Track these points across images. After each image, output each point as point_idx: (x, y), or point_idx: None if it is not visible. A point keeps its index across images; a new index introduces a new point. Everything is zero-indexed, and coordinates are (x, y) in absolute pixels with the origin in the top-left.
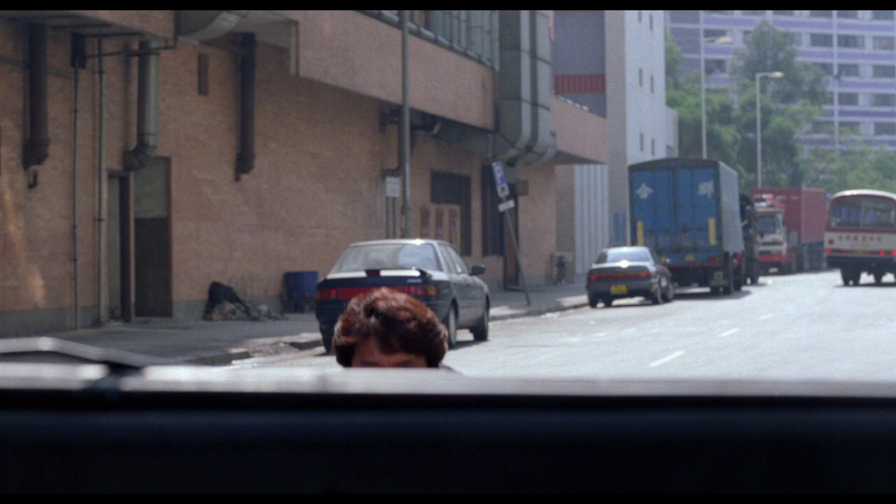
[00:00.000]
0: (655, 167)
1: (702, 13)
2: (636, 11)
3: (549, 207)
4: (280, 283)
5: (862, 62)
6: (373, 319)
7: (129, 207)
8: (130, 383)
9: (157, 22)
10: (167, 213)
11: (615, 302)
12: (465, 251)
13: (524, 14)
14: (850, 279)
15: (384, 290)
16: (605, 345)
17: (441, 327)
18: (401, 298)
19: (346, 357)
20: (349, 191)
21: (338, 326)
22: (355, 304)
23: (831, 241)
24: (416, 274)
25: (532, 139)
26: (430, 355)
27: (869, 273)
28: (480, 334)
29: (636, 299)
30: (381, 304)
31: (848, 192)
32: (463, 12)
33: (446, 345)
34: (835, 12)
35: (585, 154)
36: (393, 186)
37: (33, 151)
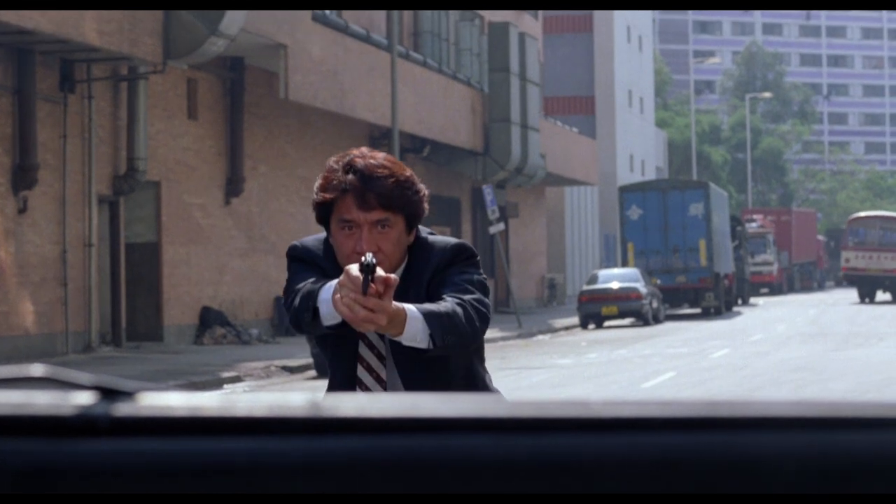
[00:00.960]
0: (646, 188)
1: (691, 34)
2: (625, 32)
3: (540, 229)
4: (271, 307)
5: (851, 82)
6: (350, 176)
7: (120, 232)
8: (122, 409)
9: (146, 47)
10: (157, 237)
11: (606, 323)
12: None
13: (513, 36)
14: (866, 296)
15: (363, 149)
16: (596, 366)
17: (421, 186)
18: (379, 156)
19: (325, 215)
20: None
21: (317, 184)
22: (334, 161)
23: (847, 260)
24: None
25: (522, 161)
26: (409, 213)
27: (884, 291)
28: None
29: (627, 320)
30: (360, 162)
31: (864, 214)
32: (452, 35)
33: (426, 205)
34: (824, 32)
35: (575, 176)
36: None
37: (23, 177)
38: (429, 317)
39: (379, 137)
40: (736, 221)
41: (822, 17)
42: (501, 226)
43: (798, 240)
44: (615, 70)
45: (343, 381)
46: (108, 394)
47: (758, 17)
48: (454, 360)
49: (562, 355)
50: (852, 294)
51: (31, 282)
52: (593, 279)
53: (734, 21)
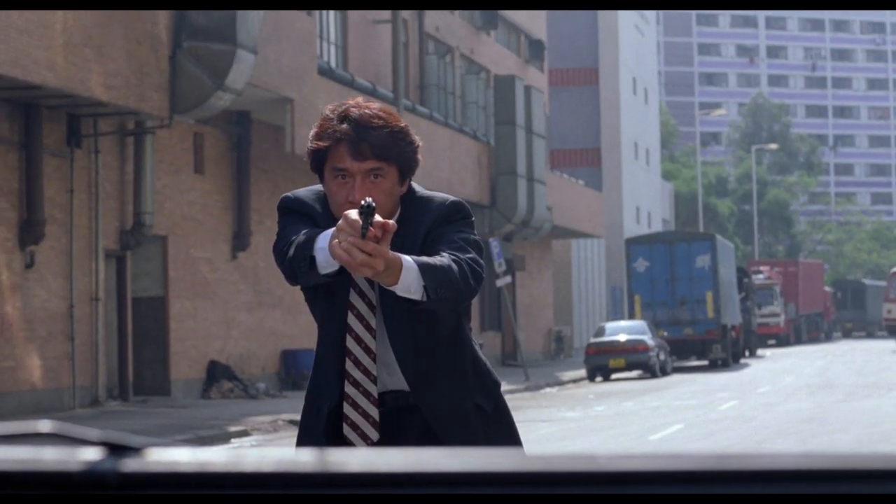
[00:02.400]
0: (652, 240)
1: (697, 86)
2: (631, 84)
3: (547, 282)
4: (278, 361)
5: (857, 133)
6: (345, 125)
7: (127, 287)
8: (130, 464)
9: (153, 101)
10: (164, 291)
11: (614, 376)
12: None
13: (519, 89)
14: None
15: (359, 98)
16: (604, 419)
17: (415, 138)
18: (374, 107)
19: (318, 163)
20: None
21: (311, 132)
22: (329, 110)
23: (889, 311)
24: None
25: (528, 214)
26: (402, 164)
27: None
28: None
29: (635, 373)
30: (354, 111)
31: None
32: (458, 88)
33: (419, 156)
34: (829, 83)
35: (582, 228)
36: None
37: (30, 232)
38: (424, 269)
39: None
40: (743, 273)
41: (828, 69)
42: (508, 279)
43: (805, 291)
44: (621, 122)
45: (334, 336)
46: (116, 449)
47: (764, 68)
48: (443, 318)
49: (569, 408)
50: (859, 344)
51: (38, 336)
52: (600, 331)
53: (740, 73)
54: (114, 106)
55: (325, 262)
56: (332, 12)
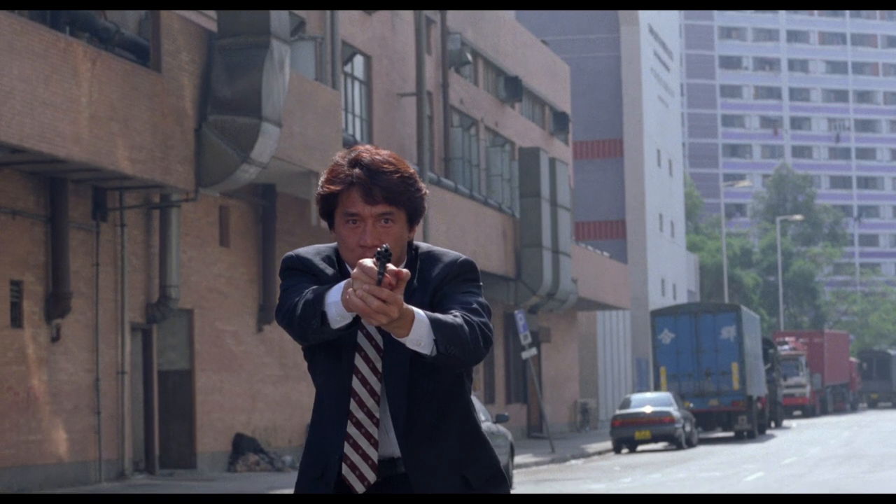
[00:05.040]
0: (677, 312)
1: (721, 157)
2: (655, 156)
3: (572, 354)
4: (303, 434)
5: (882, 203)
6: (357, 170)
7: (153, 360)
8: None
9: (178, 174)
10: (190, 365)
11: (640, 447)
12: (488, 399)
13: (543, 161)
14: None
15: (368, 145)
16: (630, 491)
17: (422, 185)
18: (384, 153)
19: (329, 208)
20: None
21: (321, 178)
22: (340, 156)
23: None
24: None
25: (554, 286)
26: (411, 210)
27: None
28: None
29: (661, 444)
30: (366, 156)
31: None
32: (483, 160)
33: (426, 204)
34: (853, 154)
35: (607, 300)
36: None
37: (56, 305)
38: (436, 323)
39: None
40: (768, 344)
41: (851, 140)
42: (534, 351)
43: (830, 362)
44: (646, 194)
45: (336, 392)
46: None
47: (787, 139)
48: (442, 375)
49: (595, 480)
50: (885, 415)
51: (64, 410)
52: (626, 403)
53: (763, 144)
54: (139, 179)
55: (338, 316)
56: (357, 86)
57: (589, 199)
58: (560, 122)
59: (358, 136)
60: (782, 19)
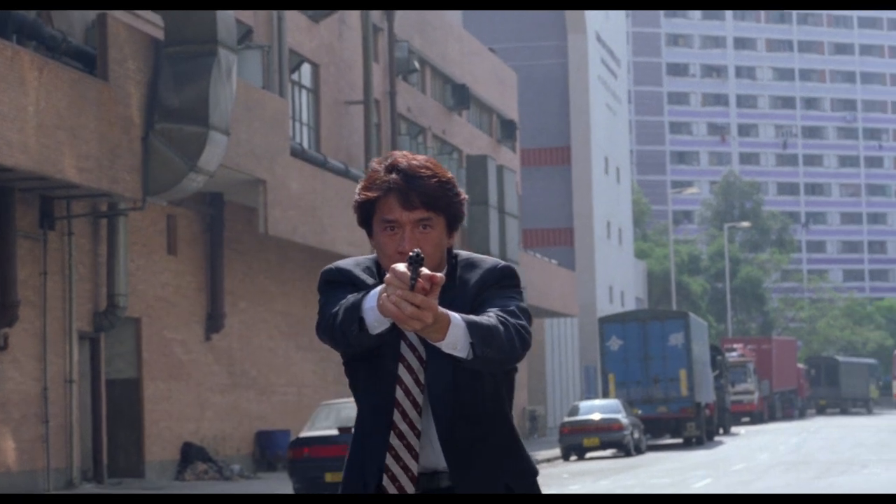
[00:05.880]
0: (625, 319)
1: (668, 165)
2: (603, 164)
3: (521, 361)
4: (252, 442)
5: (829, 210)
6: (394, 175)
7: (100, 368)
8: None
9: (126, 183)
10: (138, 373)
11: (588, 454)
12: None
13: (491, 169)
14: None
15: (405, 151)
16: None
17: (461, 190)
18: (421, 158)
19: (366, 216)
20: (320, 348)
21: (358, 186)
22: (376, 163)
23: None
24: None
25: None
26: (449, 215)
27: None
28: None
29: (609, 451)
30: (403, 162)
31: None
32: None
33: (465, 210)
34: (801, 161)
35: (555, 307)
36: None
37: (3, 314)
38: (471, 326)
39: None
40: (716, 351)
41: (799, 146)
42: None
43: (778, 368)
44: (593, 201)
45: (379, 402)
46: None
47: (735, 146)
48: (485, 384)
49: (543, 487)
50: (833, 421)
51: (12, 419)
52: (574, 410)
53: (711, 151)
54: (86, 188)
55: (376, 321)
56: (304, 94)
57: (536, 206)
58: (507, 129)
59: (305, 145)
60: (729, 26)
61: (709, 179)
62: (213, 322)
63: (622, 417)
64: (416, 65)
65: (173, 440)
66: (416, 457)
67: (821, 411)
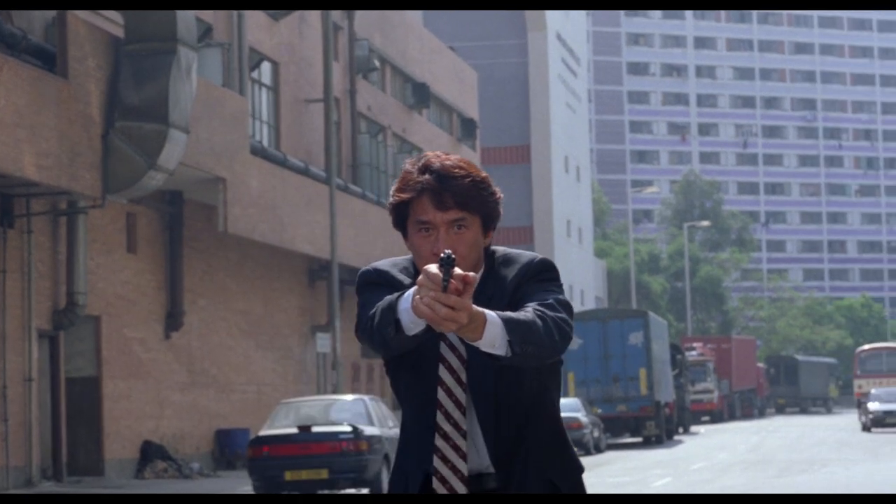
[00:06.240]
0: (585, 318)
1: (629, 164)
2: (563, 163)
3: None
4: (212, 441)
5: (789, 209)
6: (427, 176)
7: (60, 367)
8: None
9: (85, 181)
10: (98, 371)
11: None
12: (396, 405)
13: None
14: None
15: (438, 151)
16: None
17: (496, 189)
18: (454, 157)
19: (401, 217)
20: (279, 347)
21: (392, 188)
22: (410, 164)
23: (860, 386)
24: (349, 429)
25: None
26: (485, 215)
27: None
28: None
29: None
30: (435, 162)
31: (868, 346)
32: (390, 166)
33: (501, 209)
34: (761, 160)
35: None
36: (323, 342)
37: None
38: (508, 323)
39: (318, 270)
40: (676, 350)
41: (759, 146)
42: None
43: (738, 367)
44: (553, 200)
45: (422, 403)
46: None
47: (695, 146)
48: (528, 381)
49: None
50: (793, 420)
51: None
52: None
53: (671, 151)
54: (46, 186)
55: (411, 323)
56: (264, 92)
57: None
58: (467, 128)
59: (265, 143)
60: (689, 25)
61: (669, 178)
62: (173, 320)
63: (582, 416)
64: (377, 63)
65: (133, 438)
66: (464, 457)
67: (780, 410)
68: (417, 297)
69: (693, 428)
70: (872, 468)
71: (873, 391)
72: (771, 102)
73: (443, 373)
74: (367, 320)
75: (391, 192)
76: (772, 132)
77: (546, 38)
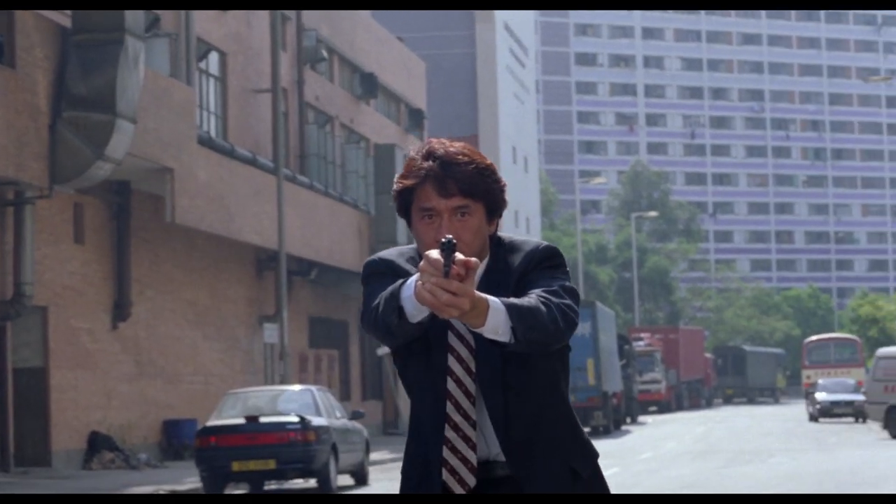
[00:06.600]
0: None
1: (576, 154)
2: (510, 153)
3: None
4: (159, 431)
5: (736, 199)
6: (430, 162)
7: (7, 357)
8: None
9: (32, 171)
10: (45, 362)
11: None
12: (344, 396)
13: (399, 158)
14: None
15: (443, 138)
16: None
17: (501, 177)
18: (458, 144)
19: (405, 204)
20: (227, 337)
21: (397, 175)
22: (414, 151)
23: (808, 377)
24: (296, 420)
25: None
26: (489, 202)
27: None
28: (361, 479)
29: None
30: (439, 149)
31: (816, 337)
32: (338, 157)
33: (506, 196)
34: (708, 151)
35: None
36: (271, 332)
37: None
38: (512, 309)
39: (266, 260)
40: (623, 340)
41: (706, 136)
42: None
43: (686, 357)
44: None
45: (431, 394)
46: None
47: (643, 136)
48: (537, 369)
49: None
50: (740, 410)
51: None
52: None
53: (619, 141)
54: None
55: (415, 310)
56: (212, 83)
57: None
58: (415, 118)
59: (213, 133)
60: (637, 16)
61: (616, 169)
62: (120, 311)
63: None
64: (324, 53)
65: (80, 429)
66: (473, 447)
67: (728, 401)
68: (420, 283)
69: (641, 418)
70: (819, 458)
71: (821, 381)
72: (719, 93)
73: (451, 363)
74: (371, 310)
75: (395, 179)
76: (719, 123)
77: (494, 28)
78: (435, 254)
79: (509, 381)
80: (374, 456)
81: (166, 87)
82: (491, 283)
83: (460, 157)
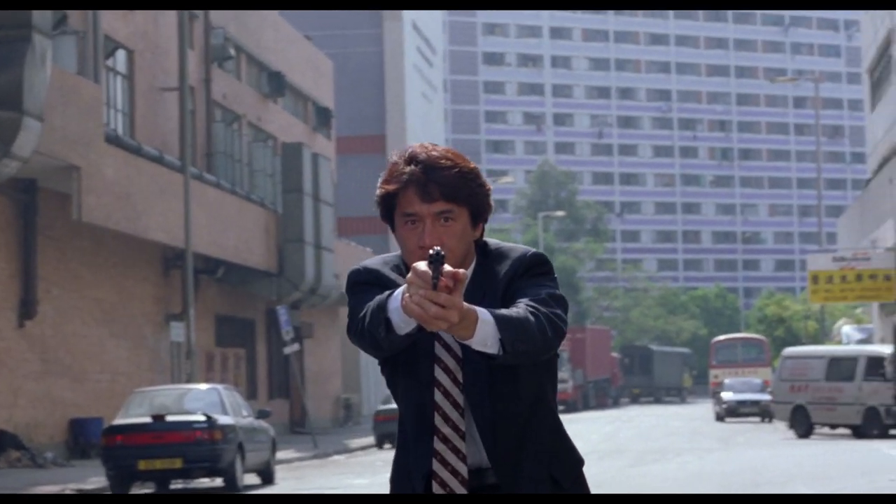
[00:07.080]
0: None
1: (484, 153)
2: None
3: (335, 349)
4: (66, 430)
5: (643, 199)
6: (412, 167)
7: None
8: None
9: None
10: None
11: None
12: (250, 395)
13: (306, 157)
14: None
15: (425, 143)
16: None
17: (486, 181)
18: (441, 149)
19: (388, 209)
20: (134, 336)
21: (380, 180)
22: (397, 156)
23: (716, 376)
24: (202, 418)
25: (316, 282)
26: (473, 206)
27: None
28: (267, 478)
29: None
30: (422, 153)
31: (723, 337)
32: (245, 155)
33: (491, 201)
34: (616, 150)
35: None
36: (177, 331)
37: None
38: (500, 321)
39: (173, 258)
40: None
41: (614, 136)
42: (296, 346)
43: (593, 357)
44: None
45: (419, 405)
46: None
47: (550, 136)
48: (524, 378)
49: (357, 475)
50: (647, 410)
51: None
52: (388, 399)
53: (526, 141)
54: None
55: (402, 322)
56: (119, 80)
57: (352, 194)
58: (323, 117)
59: (120, 131)
60: (545, 16)
61: (524, 169)
62: (26, 309)
63: None
64: (232, 52)
65: None
66: (463, 459)
67: (635, 400)
68: (407, 295)
69: None
70: (724, 457)
71: (727, 381)
72: (626, 93)
73: (439, 374)
74: (357, 321)
75: (378, 184)
76: (627, 122)
77: (402, 27)
78: (423, 266)
79: (497, 391)
80: (280, 455)
81: (73, 85)
82: (477, 290)
83: (443, 161)
